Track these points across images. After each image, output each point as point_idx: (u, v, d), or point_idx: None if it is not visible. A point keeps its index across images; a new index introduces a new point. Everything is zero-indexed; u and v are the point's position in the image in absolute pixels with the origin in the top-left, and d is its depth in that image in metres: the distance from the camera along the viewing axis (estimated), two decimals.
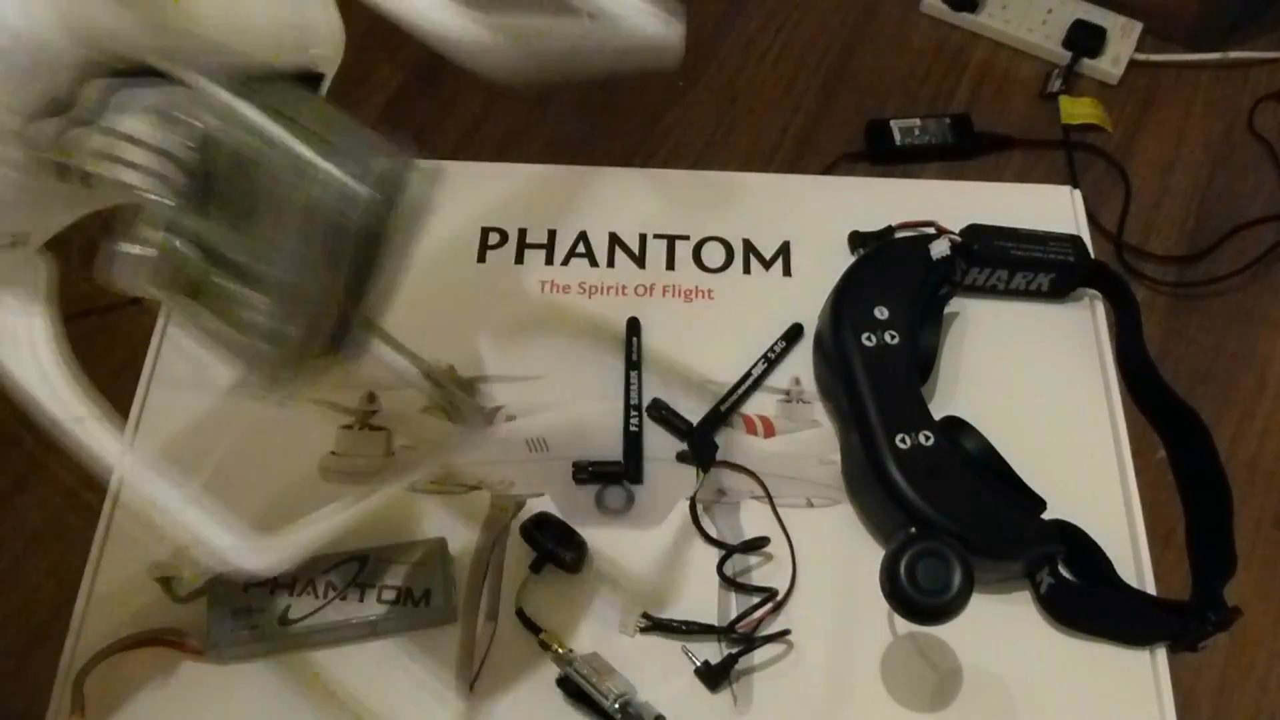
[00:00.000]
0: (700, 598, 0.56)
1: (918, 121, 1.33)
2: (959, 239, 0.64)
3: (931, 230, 0.66)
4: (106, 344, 1.17)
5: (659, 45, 0.40)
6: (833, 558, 0.58)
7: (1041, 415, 0.62)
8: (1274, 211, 1.29)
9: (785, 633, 0.55)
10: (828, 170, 1.30)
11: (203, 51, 0.36)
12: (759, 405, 0.63)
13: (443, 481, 0.60)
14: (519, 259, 0.67)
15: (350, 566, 0.55)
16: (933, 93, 1.39)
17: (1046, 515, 0.56)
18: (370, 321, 0.42)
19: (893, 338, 0.59)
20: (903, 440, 0.56)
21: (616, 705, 0.51)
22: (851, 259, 0.66)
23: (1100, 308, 0.66)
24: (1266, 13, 1.45)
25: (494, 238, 0.68)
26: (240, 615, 0.53)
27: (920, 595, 0.49)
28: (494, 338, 0.64)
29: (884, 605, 0.50)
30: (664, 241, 0.68)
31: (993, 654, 0.55)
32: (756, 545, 0.58)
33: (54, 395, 0.40)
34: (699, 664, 0.54)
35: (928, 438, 0.56)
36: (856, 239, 0.68)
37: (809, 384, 0.63)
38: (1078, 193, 0.71)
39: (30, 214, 0.39)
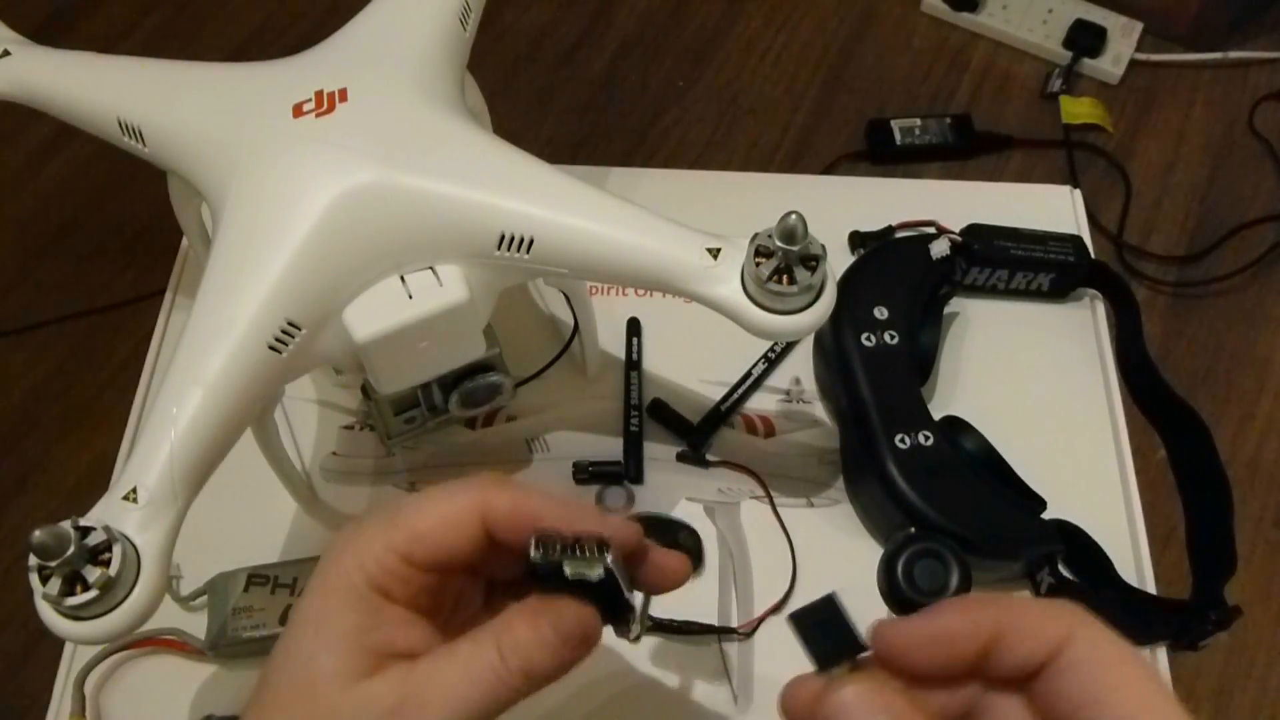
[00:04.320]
0: (700, 597, 0.56)
1: (918, 121, 1.33)
2: (959, 239, 0.64)
3: (931, 230, 0.66)
4: (106, 344, 1.17)
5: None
6: (833, 558, 0.58)
7: (1041, 415, 0.62)
8: (1274, 211, 1.29)
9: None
10: (828, 170, 1.30)
11: None
12: (759, 405, 0.63)
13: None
14: None
15: None
16: (933, 93, 1.39)
17: (1046, 515, 0.56)
18: None
19: (892, 338, 0.59)
20: (902, 440, 0.56)
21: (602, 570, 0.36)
22: (851, 259, 0.66)
23: (1100, 308, 0.66)
24: (1266, 13, 1.45)
25: None
26: (240, 615, 0.53)
27: (917, 595, 0.49)
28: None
29: (884, 605, 0.50)
30: None
31: None
32: None
33: None
34: None
35: (927, 437, 0.56)
36: (856, 239, 0.68)
37: (809, 384, 0.63)
38: (1078, 192, 0.71)
39: None
